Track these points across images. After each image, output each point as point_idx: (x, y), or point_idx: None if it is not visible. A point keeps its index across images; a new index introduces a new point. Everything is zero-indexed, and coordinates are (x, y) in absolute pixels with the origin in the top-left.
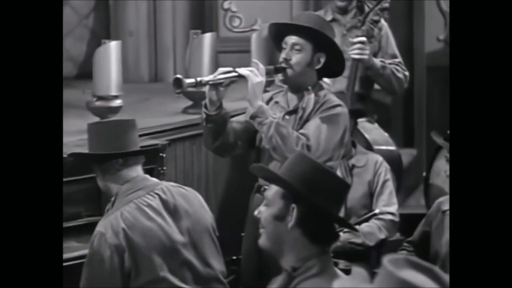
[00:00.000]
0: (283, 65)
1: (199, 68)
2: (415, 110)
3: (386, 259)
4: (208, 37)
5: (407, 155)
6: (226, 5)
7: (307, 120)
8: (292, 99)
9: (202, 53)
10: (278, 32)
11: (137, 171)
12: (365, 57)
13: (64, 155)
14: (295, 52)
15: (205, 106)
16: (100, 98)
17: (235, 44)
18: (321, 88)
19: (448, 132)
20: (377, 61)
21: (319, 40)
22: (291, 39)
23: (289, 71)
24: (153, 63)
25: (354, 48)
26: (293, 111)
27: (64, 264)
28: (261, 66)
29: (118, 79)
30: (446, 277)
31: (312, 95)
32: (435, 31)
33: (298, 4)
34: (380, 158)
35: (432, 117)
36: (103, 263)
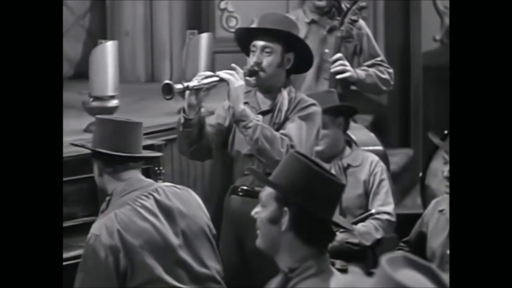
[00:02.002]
0: (256, 68)
1: (195, 68)
2: (412, 110)
3: (384, 259)
4: (204, 37)
5: (403, 155)
6: (222, 5)
7: (284, 120)
8: (264, 99)
9: (199, 53)
10: (247, 36)
11: (133, 172)
12: (349, 74)
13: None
14: (266, 54)
15: (183, 111)
16: (97, 98)
17: (231, 44)
18: (292, 87)
19: (445, 132)
20: (360, 73)
21: (288, 40)
22: (260, 42)
23: (261, 74)
24: (149, 63)
25: (335, 66)
26: (267, 112)
27: None
28: (240, 70)
29: (114, 79)
30: (444, 276)
31: (286, 95)
32: (431, 31)
33: (295, 4)
34: (376, 158)
35: (429, 117)
36: (99, 264)
